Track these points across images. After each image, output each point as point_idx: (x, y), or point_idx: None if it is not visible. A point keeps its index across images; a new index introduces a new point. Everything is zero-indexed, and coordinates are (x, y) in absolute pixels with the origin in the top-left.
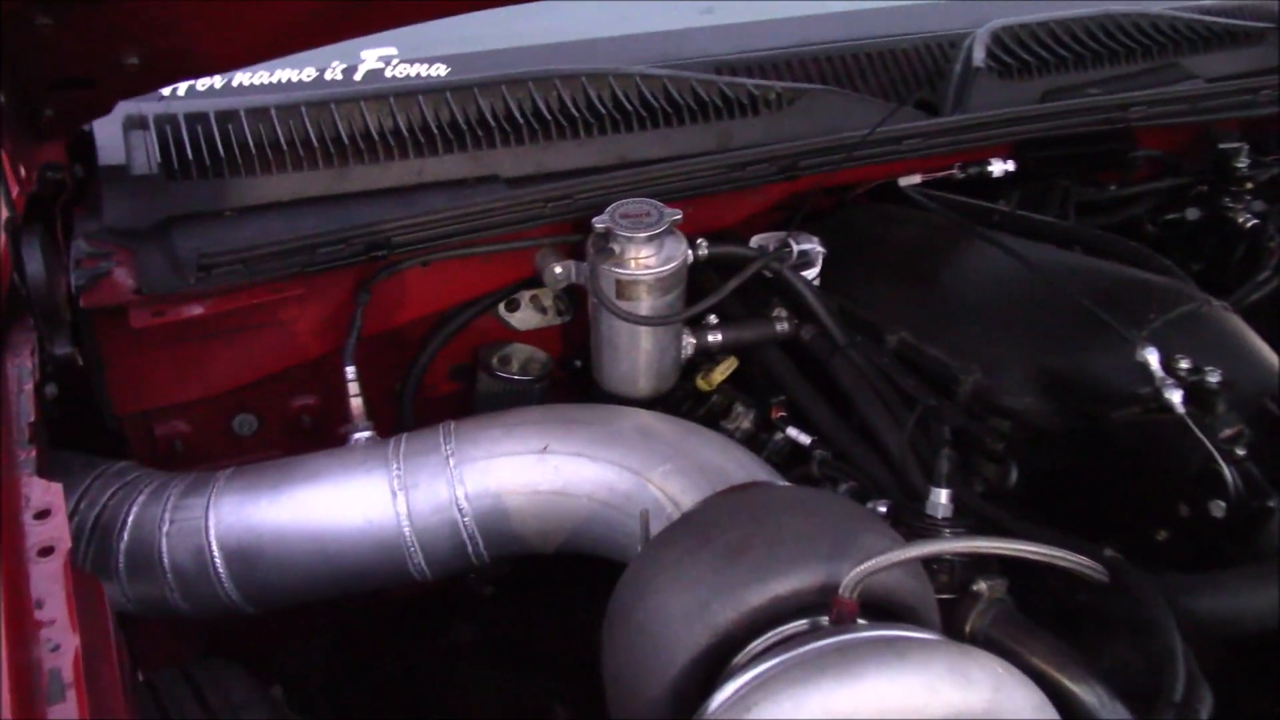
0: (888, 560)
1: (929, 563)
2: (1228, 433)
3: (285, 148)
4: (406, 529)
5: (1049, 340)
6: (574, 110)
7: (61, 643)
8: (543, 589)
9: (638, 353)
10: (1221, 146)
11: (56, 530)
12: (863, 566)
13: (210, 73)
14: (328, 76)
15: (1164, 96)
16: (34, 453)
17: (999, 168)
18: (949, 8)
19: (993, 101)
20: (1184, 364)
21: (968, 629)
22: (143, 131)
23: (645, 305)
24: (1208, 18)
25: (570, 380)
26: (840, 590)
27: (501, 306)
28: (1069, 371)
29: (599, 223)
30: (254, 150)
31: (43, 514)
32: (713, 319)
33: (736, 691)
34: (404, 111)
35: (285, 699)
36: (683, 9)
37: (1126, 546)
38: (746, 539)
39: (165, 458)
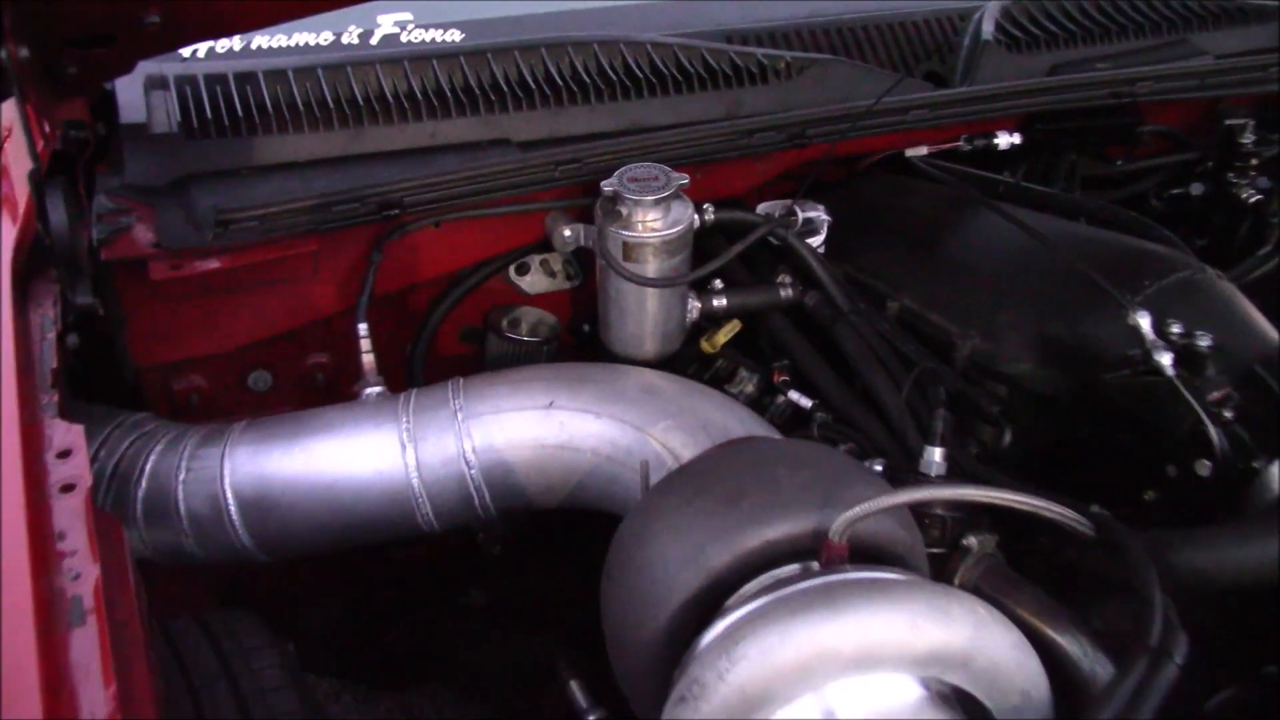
0: (876, 505)
1: (921, 517)
2: (1216, 395)
3: (302, 109)
4: (415, 480)
5: (1047, 307)
6: (585, 76)
7: (82, 572)
8: (549, 552)
9: (644, 315)
10: (1228, 123)
11: (78, 469)
12: (851, 511)
13: (230, 33)
14: (344, 40)
15: (1172, 72)
16: (56, 396)
17: (1005, 140)
18: None
19: (1001, 74)
20: (1175, 328)
21: (957, 581)
22: (163, 91)
23: (651, 267)
24: None
25: (578, 344)
26: (830, 534)
27: (511, 270)
28: (1065, 337)
29: (607, 186)
30: (271, 111)
31: (64, 454)
32: (718, 284)
33: (726, 628)
34: (418, 75)
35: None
36: None
37: (1116, 508)
38: (742, 487)
39: (182, 412)
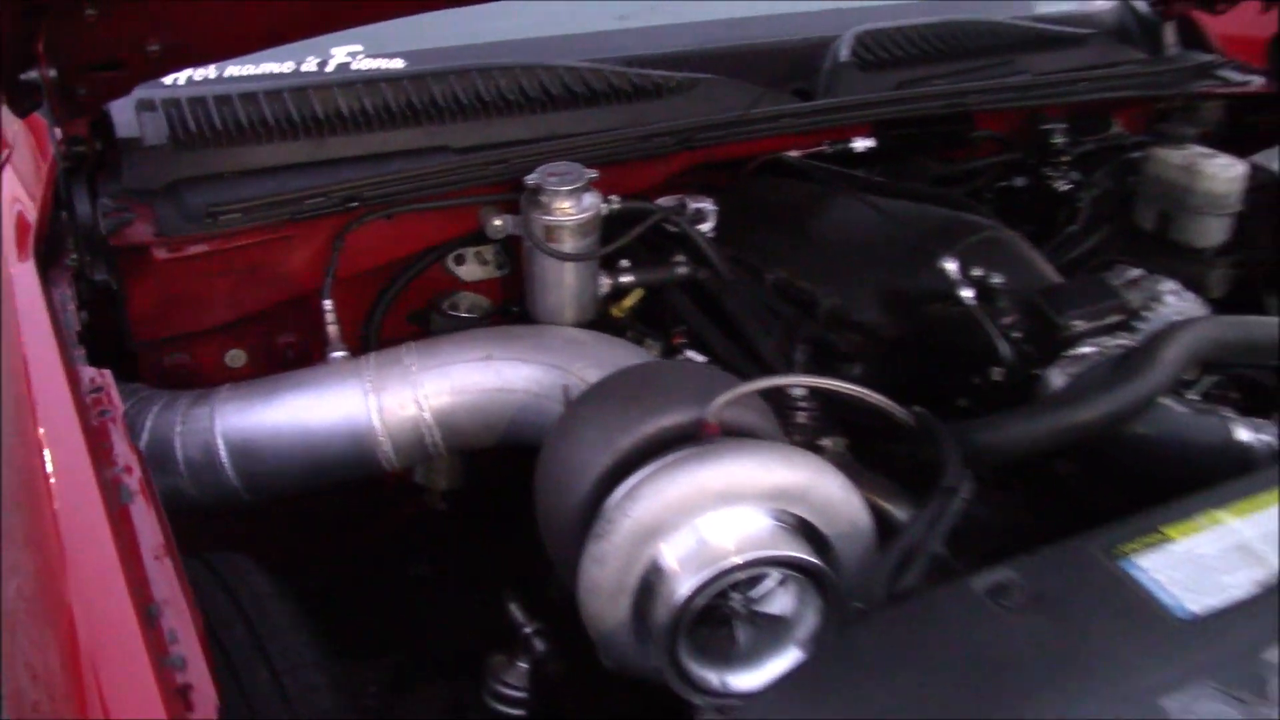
0: (741, 390)
1: (785, 424)
2: (1006, 320)
3: (273, 124)
4: (377, 423)
5: (888, 267)
6: (509, 95)
7: (130, 464)
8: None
9: (563, 287)
10: (1043, 127)
11: (110, 401)
12: (721, 398)
13: (216, 59)
14: (304, 69)
15: (996, 85)
16: (83, 350)
17: (861, 144)
18: (824, 16)
19: (855, 90)
20: (976, 271)
21: None
22: (152, 112)
23: (568, 246)
24: (1040, 25)
25: (509, 323)
26: (706, 416)
27: (450, 260)
28: (900, 287)
29: (530, 180)
30: (246, 126)
31: (97, 389)
32: (624, 263)
33: (628, 485)
34: (369, 96)
35: None
36: (604, 14)
37: (941, 415)
38: (641, 391)
39: (170, 384)
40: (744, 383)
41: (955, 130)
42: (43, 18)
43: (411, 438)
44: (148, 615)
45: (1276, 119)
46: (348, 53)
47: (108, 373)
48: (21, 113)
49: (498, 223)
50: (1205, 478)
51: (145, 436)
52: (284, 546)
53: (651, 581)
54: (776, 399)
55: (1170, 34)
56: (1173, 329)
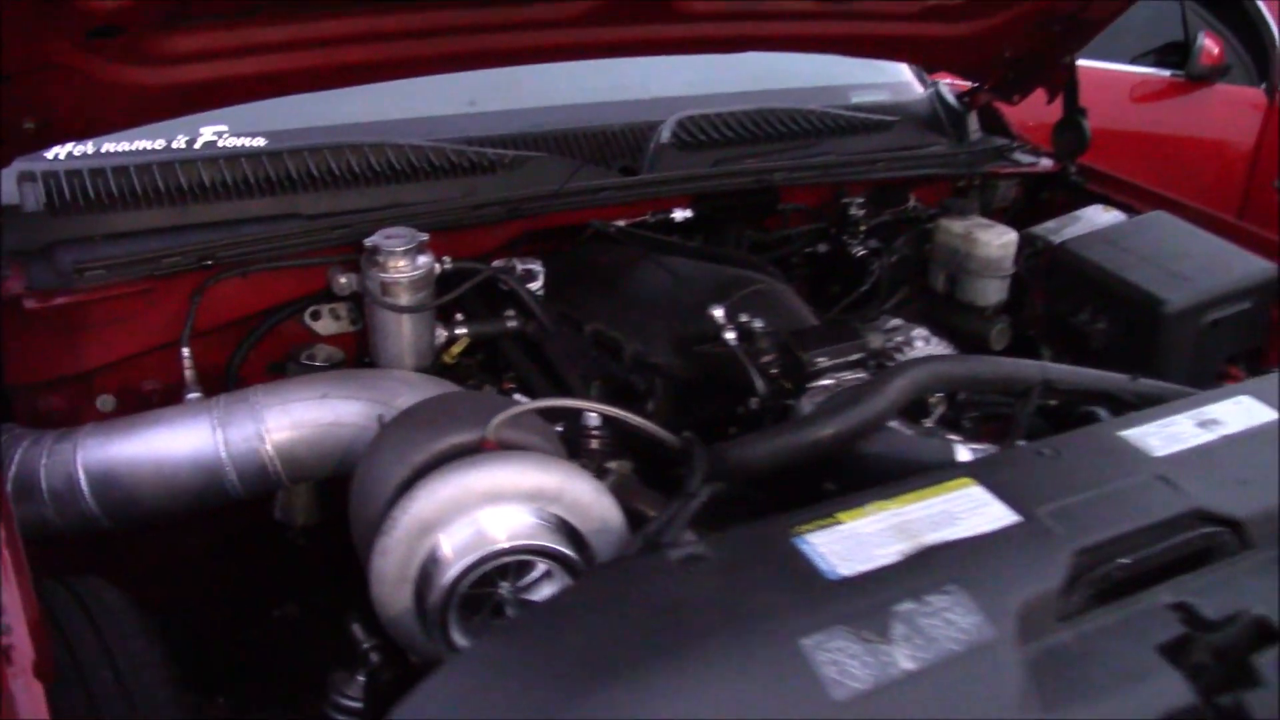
0: (516, 410)
1: (577, 451)
2: (765, 359)
3: (140, 193)
4: (223, 454)
5: (679, 317)
6: (357, 169)
7: None
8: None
9: (401, 338)
10: (843, 200)
11: None
12: (497, 418)
13: (85, 138)
14: (174, 145)
15: (801, 164)
16: None
17: (680, 214)
18: (653, 103)
19: (675, 167)
20: (743, 317)
21: None
22: (32, 183)
23: (404, 300)
24: (848, 112)
25: None
26: (486, 434)
27: (307, 316)
28: (686, 334)
29: (370, 241)
30: (117, 195)
31: None
32: (460, 317)
33: (413, 491)
34: (230, 169)
35: None
36: (456, 101)
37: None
38: (437, 415)
39: (44, 427)
40: (520, 405)
41: (764, 202)
42: None
43: (254, 468)
44: None
45: (1061, 195)
46: (214, 131)
47: None
48: None
49: (343, 280)
50: None
51: (13, 469)
52: (158, 586)
53: (429, 570)
54: (574, 429)
55: (974, 121)
56: (903, 365)
